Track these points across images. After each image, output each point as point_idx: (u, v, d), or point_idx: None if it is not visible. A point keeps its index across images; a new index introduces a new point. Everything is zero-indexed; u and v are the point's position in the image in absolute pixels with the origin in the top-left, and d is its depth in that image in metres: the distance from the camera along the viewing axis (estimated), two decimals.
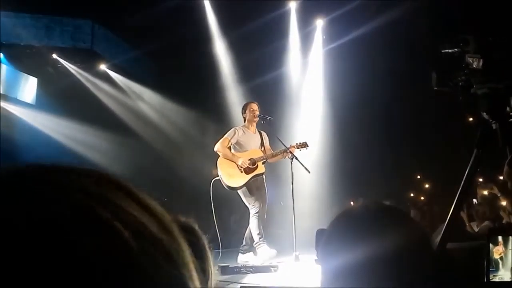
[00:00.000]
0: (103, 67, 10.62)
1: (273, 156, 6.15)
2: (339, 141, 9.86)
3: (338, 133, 9.93)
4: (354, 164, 9.89)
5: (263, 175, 6.14)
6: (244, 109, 6.34)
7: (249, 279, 5.09)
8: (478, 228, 5.66)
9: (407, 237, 1.08)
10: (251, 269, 5.42)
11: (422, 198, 10.32)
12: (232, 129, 6.22)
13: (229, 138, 6.08)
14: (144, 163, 10.29)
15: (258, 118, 6.23)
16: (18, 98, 9.86)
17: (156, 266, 0.33)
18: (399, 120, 10.23)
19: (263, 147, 6.25)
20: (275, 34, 10.05)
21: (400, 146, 10.32)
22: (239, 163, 5.94)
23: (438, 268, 1.11)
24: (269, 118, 6.31)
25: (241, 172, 5.95)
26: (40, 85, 10.16)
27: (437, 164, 10.01)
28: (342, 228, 1.15)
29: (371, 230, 1.08)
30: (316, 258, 1.21)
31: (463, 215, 5.69)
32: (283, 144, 6.13)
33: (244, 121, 6.31)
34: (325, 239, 1.15)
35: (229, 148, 6.13)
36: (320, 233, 1.25)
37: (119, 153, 10.19)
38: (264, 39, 9.71)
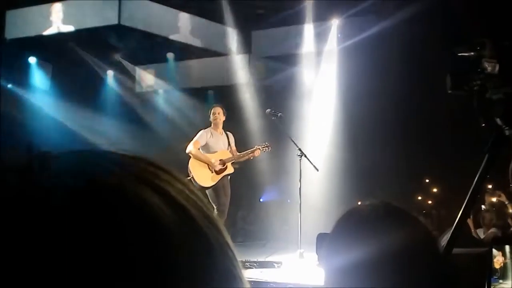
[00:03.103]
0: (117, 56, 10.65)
1: (240, 157, 6.37)
2: (350, 140, 9.80)
3: (349, 132, 9.87)
4: (364, 164, 9.83)
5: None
6: (209, 113, 6.47)
7: (252, 274, 5.09)
8: (485, 235, 5.62)
9: (413, 238, 1.08)
10: (255, 264, 5.43)
11: (430, 202, 10.25)
12: (201, 131, 6.33)
13: (200, 141, 6.23)
14: (151, 154, 10.29)
15: (219, 121, 6.34)
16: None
17: (215, 237, 0.39)
18: (412, 121, 10.14)
19: (229, 148, 6.43)
20: (290, 31, 10.01)
21: (413, 148, 10.22)
22: (215, 163, 6.11)
23: (443, 271, 1.11)
24: (280, 115, 6.32)
25: (212, 172, 6.14)
26: (55, 71, 10.23)
27: (449, 168, 9.92)
28: (348, 226, 1.14)
29: (377, 230, 1.08)
30: (318, 262, 1.21)
31: (470, 221, 5.64)
32: (293, 142, 6.15)
33: (210, 124, 6.39)
34: (330, 237, 1.14)
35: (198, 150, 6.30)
36: (321, 237, 1.25)
37: (128, 142, 10.19)
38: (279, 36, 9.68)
